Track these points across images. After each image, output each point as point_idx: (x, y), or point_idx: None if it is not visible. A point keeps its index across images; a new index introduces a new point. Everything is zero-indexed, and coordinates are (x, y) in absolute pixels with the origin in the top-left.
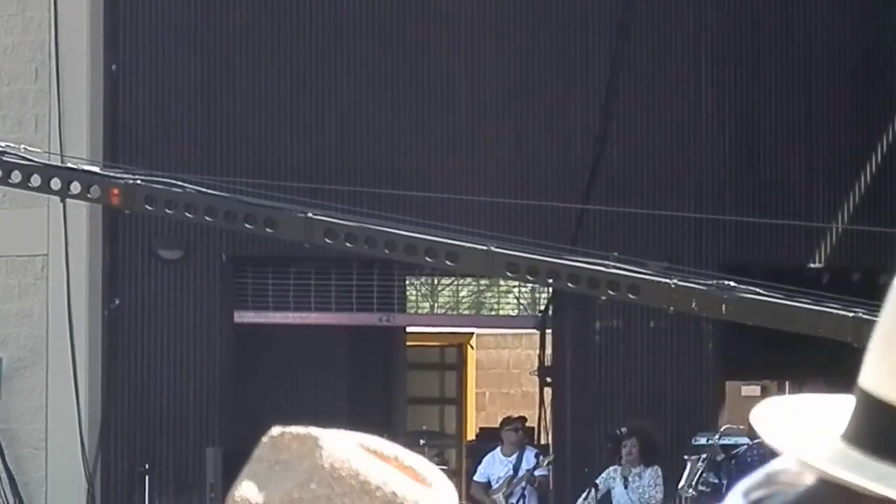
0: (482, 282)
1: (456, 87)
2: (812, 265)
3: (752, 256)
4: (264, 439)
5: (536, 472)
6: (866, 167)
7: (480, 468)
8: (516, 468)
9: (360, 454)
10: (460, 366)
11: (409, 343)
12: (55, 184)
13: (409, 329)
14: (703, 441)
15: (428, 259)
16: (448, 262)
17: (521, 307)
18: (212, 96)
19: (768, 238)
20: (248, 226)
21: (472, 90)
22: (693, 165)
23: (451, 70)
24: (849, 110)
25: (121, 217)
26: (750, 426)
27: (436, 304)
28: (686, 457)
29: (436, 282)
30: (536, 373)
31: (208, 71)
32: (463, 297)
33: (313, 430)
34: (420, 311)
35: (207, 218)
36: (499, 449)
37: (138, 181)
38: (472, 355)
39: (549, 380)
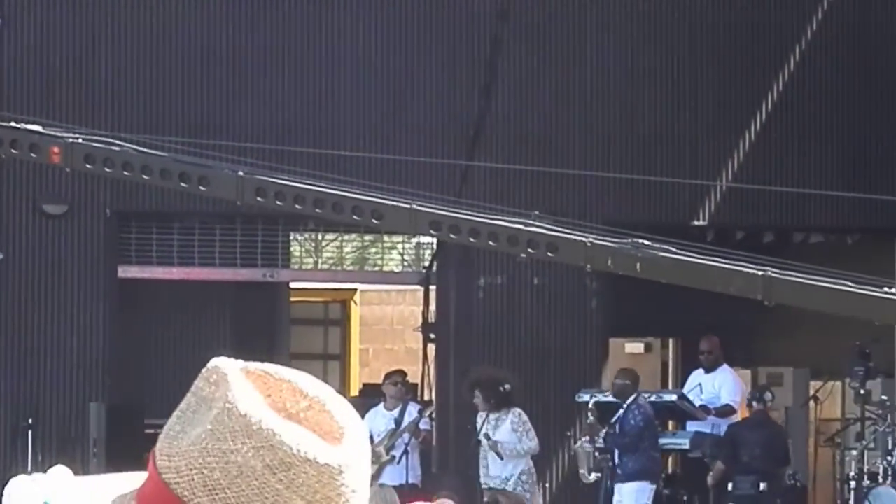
0: (366, 238)
1: (342, 43)
2: (696, 223)
3: (637, 214)
4: (203, 371)
5: (420, 426)
6: (751, 126)
7: (363, 423)
8: (398, 422)
9: (264, 406)
10: (344, 321)
11: (292, 299)
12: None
13: (293, 285)
14: (586, 398)
15: (355, 217)
16: (374, 221)
17: (405, 263)
18: (99, 51)
19: (653, 195)
20: (182, 184)
21: (359, 46)
22: (578, 122)
23: (336, 26)
24: (733, 70)
25: (4, 172)
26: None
27: (320, 260)
28: (574, 446)
29: (320, 237)
30: (420, 329)
31: (96, 26)
32: (347, 252)
33: (233, 375)
34: (304, 267)
35: (144, 176)
36: (382, 404)
37: (79, 140)
38: (355, 311)
39: (432, 336)
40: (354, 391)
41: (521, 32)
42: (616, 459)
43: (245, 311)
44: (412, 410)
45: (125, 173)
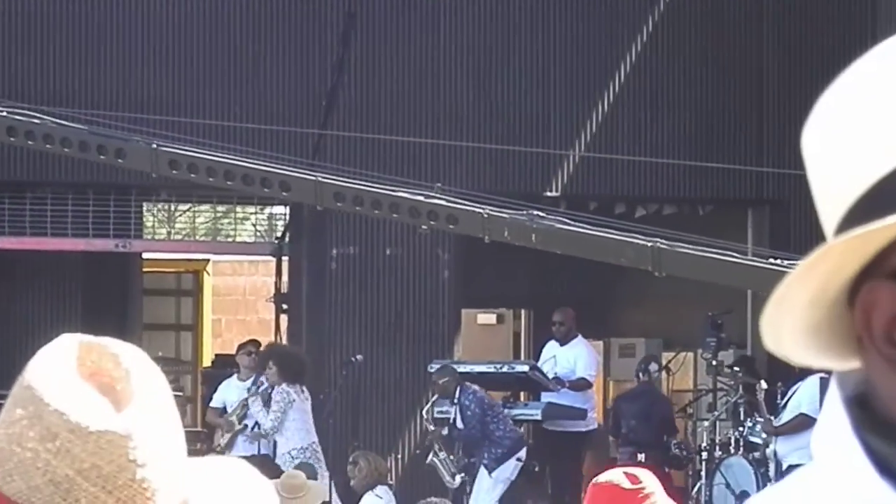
0: (219, 208)
1: (194, 10)
2: (549, 193)
3: (491, 183)
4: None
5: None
6: (603, 97)
7: (216, 394)
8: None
9: (64, 376)
10: (196, 292)
11: (145, 269)
12: None
13: (145, 255)
14: (436, 367)
15: (265, 190)
16: (283, 193)
17: (258, 234)
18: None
19: (507, 165)
20: (101, 156)
21: (213, 16)
22: (432, 93)
23: None
24: (586, 42)
25: None
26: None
27: (173, 231)
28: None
29: (173, 208)
30: (272, 299)
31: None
32: (200, 223)
33: (49, 348)
34: (157, 238)
35: (65, 149)
36: (234, 375)
37: (3, 113)
38: (208, 281)
39: (285, 306)
40: (207, 361)
41: (376, 6)
42: (477, 453)
43: (97, 282)
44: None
45: (46, 146)
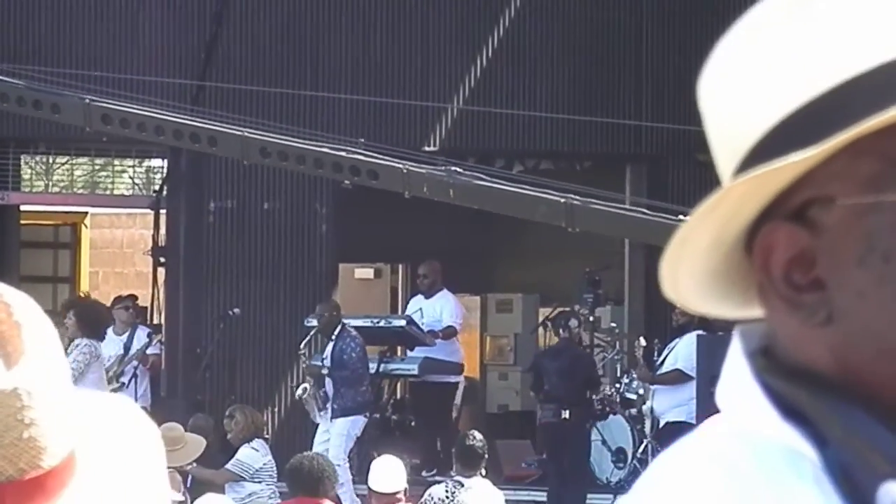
0: (97, 161)
1: None
2: (428, 147)
3: (370, 136)
4: None
5: (148, 351)
6: (482, 50)
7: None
8: (127, 347)
9: None
10: (74, 245)
11: (22, 221)
12: None
13: (23, 207)
14: (314, 322)
15: (195, 144)
16: (210, 148)
17: (136, 187)
18: None
19: (386, 118)
20: (37, 111)
21: None
22: (311, 45)
23: None
24: None
25: None
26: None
27: (50, 183)
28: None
29: (51, 160)
30: (150, 252)
31: None
32: (78, 176)
33: None
34: (35, 190)
35: (3, 104)
36: (111, 328)
37: None
38: (86, 234)
39: (162, 259)
40: None
41: None
42: (330, 392)
43: None
44: (141, 335)
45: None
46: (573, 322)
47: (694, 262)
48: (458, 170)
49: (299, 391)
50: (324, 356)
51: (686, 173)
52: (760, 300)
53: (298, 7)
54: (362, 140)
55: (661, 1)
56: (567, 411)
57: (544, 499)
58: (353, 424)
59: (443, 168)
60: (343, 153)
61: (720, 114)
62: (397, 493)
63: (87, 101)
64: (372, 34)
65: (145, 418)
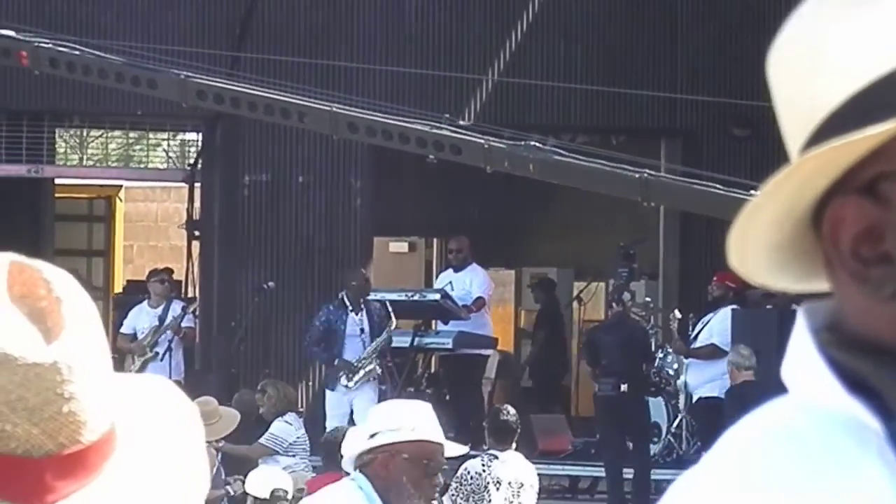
0: (131, 135)
1: None
2: (462, 122)
3: (405, 107)
4: None
5: (182, 323)
6: (517, 24)
7: (127, 320)
8: (162, 319)
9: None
10: (108, 218)
11: (57, 195)
12: None
13: (57, 181)
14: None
15: (284, 120)
16: (301, 123)
17: (171, 160)
18: None
19: (419, 90)
20: (135, 87)
21: None
22: (344, 21)
23: None
24: None
25: None
26: None
27: (85, 157)
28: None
29: (85, 134)
30: (184, 226)
31: None
32: (112, 149)
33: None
34: (69, 164)
35: (101, 80)
36: (146, 301)
37: (48, 45)
38: (120, 208)
39: (196, 233)
40: (119, 288)
41: None
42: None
43: (9, 207)
44: (176, 308)
45: (85, 77)
46: (626, 295)
47: (761, 235)
48: (538, 145)
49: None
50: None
51: (720, 147)
52: (828, 274)
53: None
54: (447, 115)
55: None
56: (625, 384)
57: (577, 473)
58: (374, 390)
59: (522, 143)
60: (427, 128)
61: (790, 88)
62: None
63: (182, 76)
64: (405, 6)
65: (183, 396)
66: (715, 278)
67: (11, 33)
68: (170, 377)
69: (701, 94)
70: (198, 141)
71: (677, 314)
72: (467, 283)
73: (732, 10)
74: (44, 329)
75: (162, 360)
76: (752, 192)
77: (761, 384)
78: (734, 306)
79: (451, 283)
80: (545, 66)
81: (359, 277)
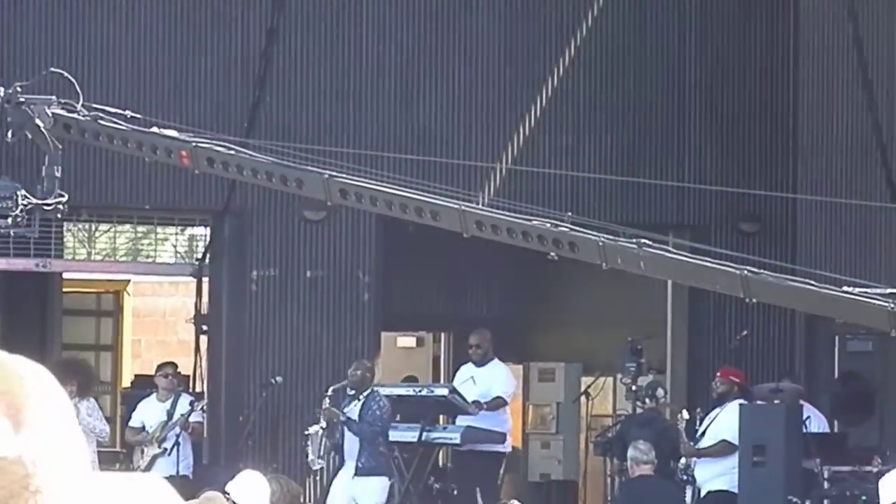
0: (139, 229)
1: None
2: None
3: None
4: None
5: (191, 418)
6: (529, 109)
7: (135, 414)
8: (170, 413)
9: None
10: (116, 312)
11: (65, 289)
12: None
13: (65, 275)
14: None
15: (420, 218)
16: (433, 221)
17: (179, 255)
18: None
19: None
20: (285, 186)
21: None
22: (353, 113)
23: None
24: (504, 62)
25: None
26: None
27: (93, 251)
28: (306, 431)
29: (93, 228)
30: (193, 320)
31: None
32: (120, 243)
33: None
34: (77, 258)
35: (256, 178)
36: (154, 395)
37: (202, 144)
38: (128, 302)
39: (205, 328)
40: (126, 382)
41: (298, 22)
42: (350, 450)
43: (17, 302)
44: (184, 402)
45: (239, 175)
46: (660, 392)
47: None
48: (648, 242)
49: (312, 429)
50: (347, 409)
51: (729, 242)
52: None
53: (340, 72)
54: (570, 214)
55: (703, 67)
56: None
57: None
58: (383, 489)
59: (633, 241)
60: (548, 226)
61: None
62: None
63: (326, 176)
64: (414, 99)
65: (175, 498)
66: (719, 374)
67: (174, 133)
68: (177, 472)
69: (709, 184)
70: (206, 235)
71: (685, 414)
72: (489, 380)
73: (742, 100)
74: (14, 423)
75: (170, 454)
76: (846, 289)
77: (656, 479)
78: (741, 401)
79: (472, 377)
80: (554, 157)
81: (361, 367)
